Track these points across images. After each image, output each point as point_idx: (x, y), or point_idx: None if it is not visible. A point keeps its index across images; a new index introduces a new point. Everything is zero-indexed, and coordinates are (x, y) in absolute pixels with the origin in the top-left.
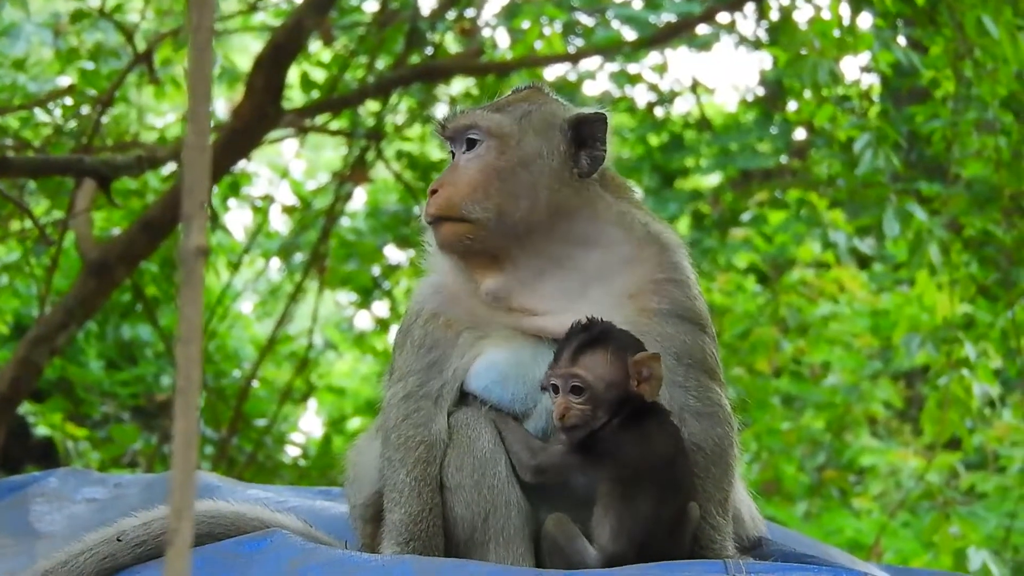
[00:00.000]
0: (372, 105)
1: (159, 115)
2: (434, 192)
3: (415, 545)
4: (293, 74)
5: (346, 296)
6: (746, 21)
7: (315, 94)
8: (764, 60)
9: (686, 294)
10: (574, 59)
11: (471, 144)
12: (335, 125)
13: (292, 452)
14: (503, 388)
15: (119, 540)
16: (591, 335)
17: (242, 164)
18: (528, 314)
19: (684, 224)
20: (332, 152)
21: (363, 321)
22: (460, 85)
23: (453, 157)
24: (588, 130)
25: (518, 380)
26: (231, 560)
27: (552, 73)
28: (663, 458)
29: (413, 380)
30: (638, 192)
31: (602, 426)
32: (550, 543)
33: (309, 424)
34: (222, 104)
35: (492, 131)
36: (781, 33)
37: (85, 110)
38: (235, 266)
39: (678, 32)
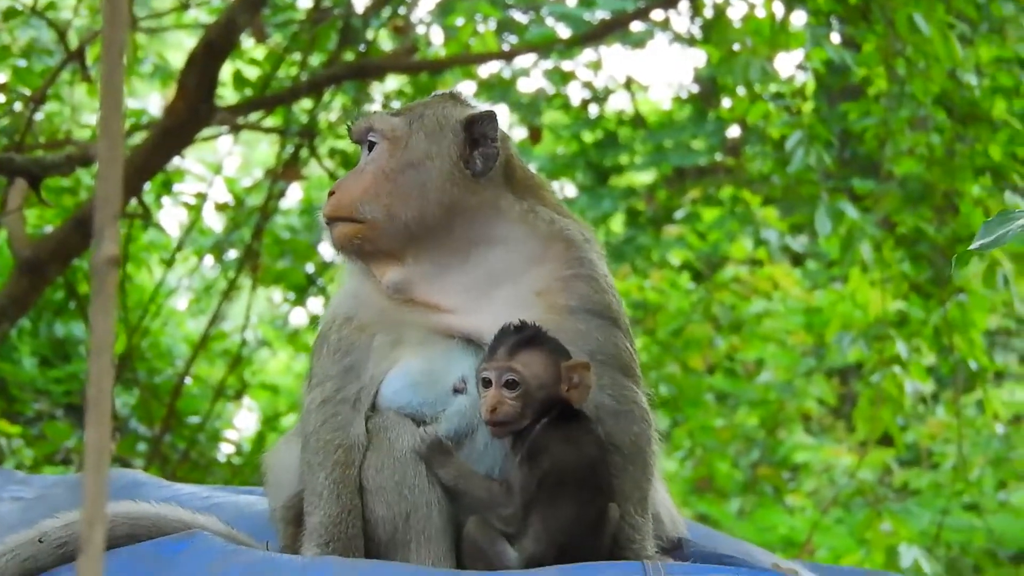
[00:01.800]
0: (305, 103)
1: (92, 112)
2: (332, 194)
3: (335, 547)
4: (226, 71)
5: (280, 294)
6: (680, 18)
7: (248, 92)
8: (698, 57)
9: (595, 288)
10: (508, 56)
11: (371, 147)
12: (268, 123)
13: (226, 450)
14: (413, 393)
15: (40, 541)
16: (526, 335)
17: (176, 161)
18: (436, 311)
19: (618, 221)
20: (266, 148)
21: (297, 318)
22: (394, 83)
23: None
24: (479, 129)
25: (428, 385)
26: (151, 563)
27: (486, 71)
28: (587, 461)
29: (330, 385)
30: (552, 188)
31: (527, 427)
32: (471, 544)
33: (243, 422)
34: (155, 101)
35: (385, 133)
36: (714, 30)
37: (18, 107)
38: (168, 263)
39: (612, 29)
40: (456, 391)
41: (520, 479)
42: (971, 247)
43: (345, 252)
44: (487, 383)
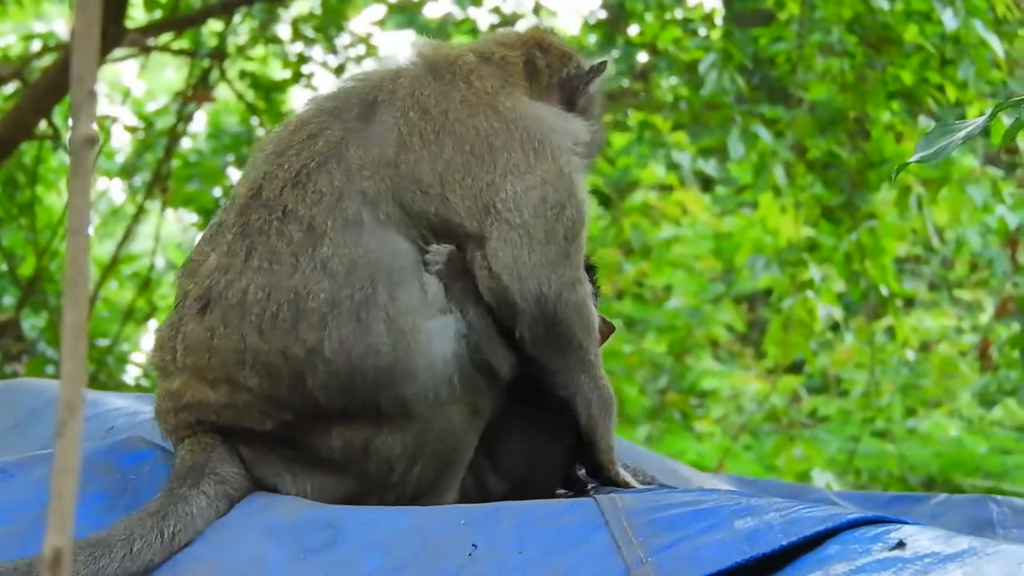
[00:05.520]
0: (215, 25)
1: (0, 35)
2: None
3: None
4: None
5: (188, 216)
6: None
7: (158, 13)
8: None
9: None
10: None
11: None
12: (177, 45)
13: (134, 372)
14: None
15: None
16: None
17: None
18: None
19: None
20: (172, 74)
21: None
22: (302, 6)
23: None
24: None
25: None
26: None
27: None
28: None
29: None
30: None
31: None
32: None
33: (151, 344)
34: (63, 24)
35: None
36: None
37: None
38: None
39: None
40: None
41: None
42: (910, 160)
43: None
44: None
